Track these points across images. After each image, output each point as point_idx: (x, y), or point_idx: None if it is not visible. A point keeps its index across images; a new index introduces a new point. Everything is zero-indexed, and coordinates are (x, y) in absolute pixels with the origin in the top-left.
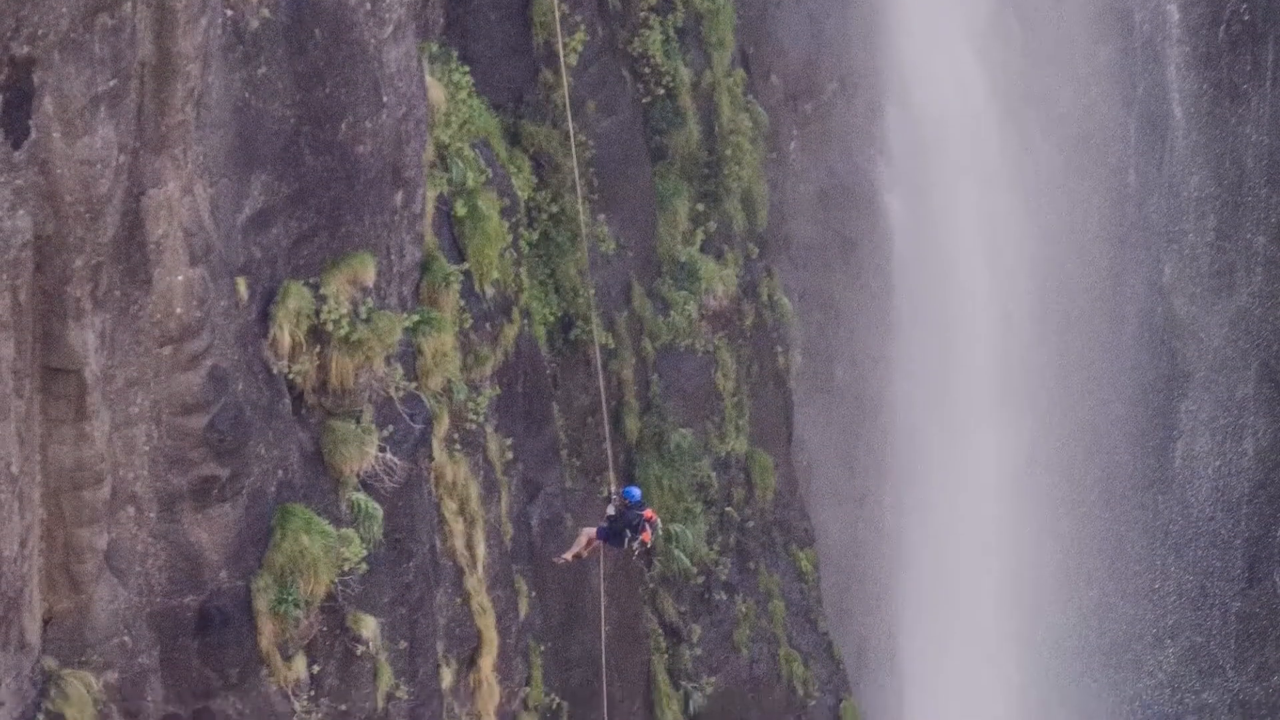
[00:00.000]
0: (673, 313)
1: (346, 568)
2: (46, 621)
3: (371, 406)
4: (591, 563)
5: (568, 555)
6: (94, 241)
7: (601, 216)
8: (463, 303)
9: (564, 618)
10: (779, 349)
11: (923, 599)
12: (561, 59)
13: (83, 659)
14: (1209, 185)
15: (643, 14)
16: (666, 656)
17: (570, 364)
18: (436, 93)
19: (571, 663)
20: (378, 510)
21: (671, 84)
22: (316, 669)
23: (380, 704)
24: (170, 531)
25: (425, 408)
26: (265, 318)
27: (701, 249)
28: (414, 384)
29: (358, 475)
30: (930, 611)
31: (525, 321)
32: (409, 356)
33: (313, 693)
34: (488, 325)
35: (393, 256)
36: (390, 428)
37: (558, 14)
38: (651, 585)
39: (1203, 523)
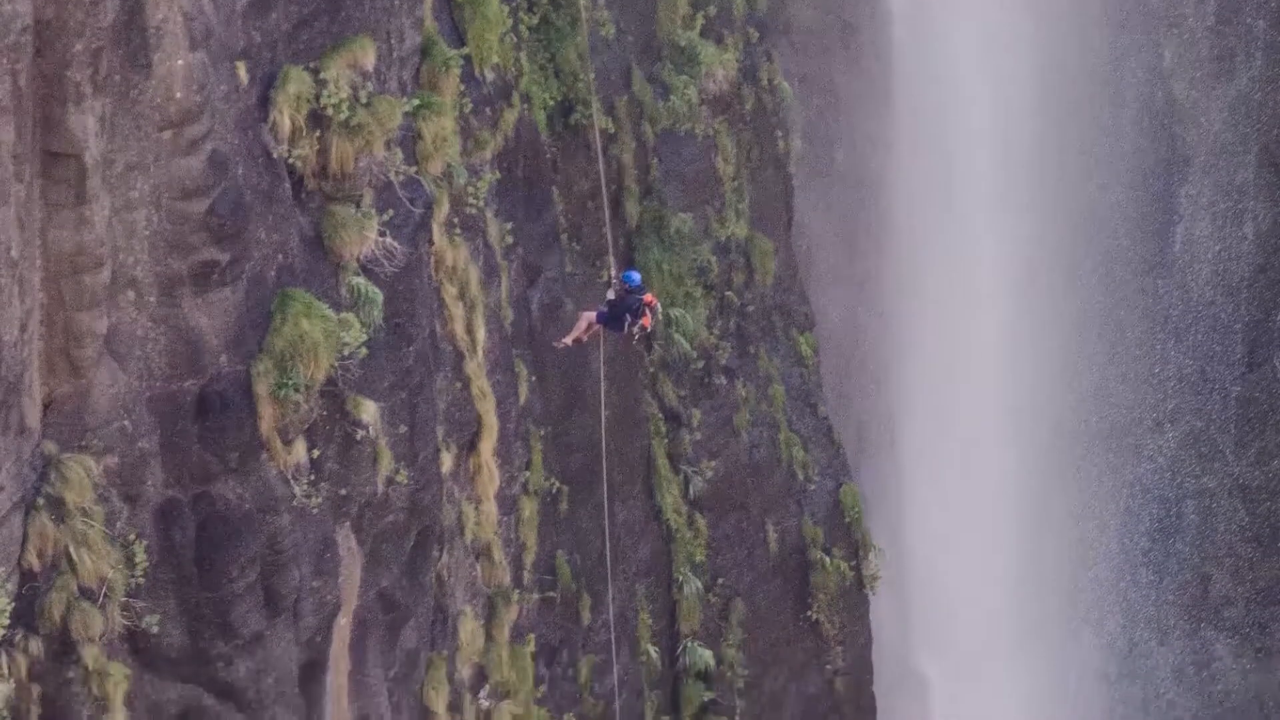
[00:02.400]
0: (673, 97)
1: (346, 352)
2: (46, 406)
3: (371, 191)
4: (591, 347)
5: (567, 339)
6: (94, 26)
7: (601, 0)
8: (462, 87)
9: (564, 402)
10: (779, 133)
11: (922, 383)
12: None
13: (82, 443)
14: None
15: None
16: (666, 441)
17: (570, 148)
18: None
19: (571, 447)
20: (377, 294)
21: None
22: (316, 453)
23: (380, 488)
24: (170, 316)
25: (425, 192)
26: (265, 102)
27: (701, 33)
28: (414, 168)
29: (357, 259)
30: (930, 396)
31: (525, 106)
32: (409, 141)
33: (313, 477)
34: (487, 109)
35: (392, 41)
36: (390, 212)
37: None
38: (651, 370)
39: (1202, 307)
